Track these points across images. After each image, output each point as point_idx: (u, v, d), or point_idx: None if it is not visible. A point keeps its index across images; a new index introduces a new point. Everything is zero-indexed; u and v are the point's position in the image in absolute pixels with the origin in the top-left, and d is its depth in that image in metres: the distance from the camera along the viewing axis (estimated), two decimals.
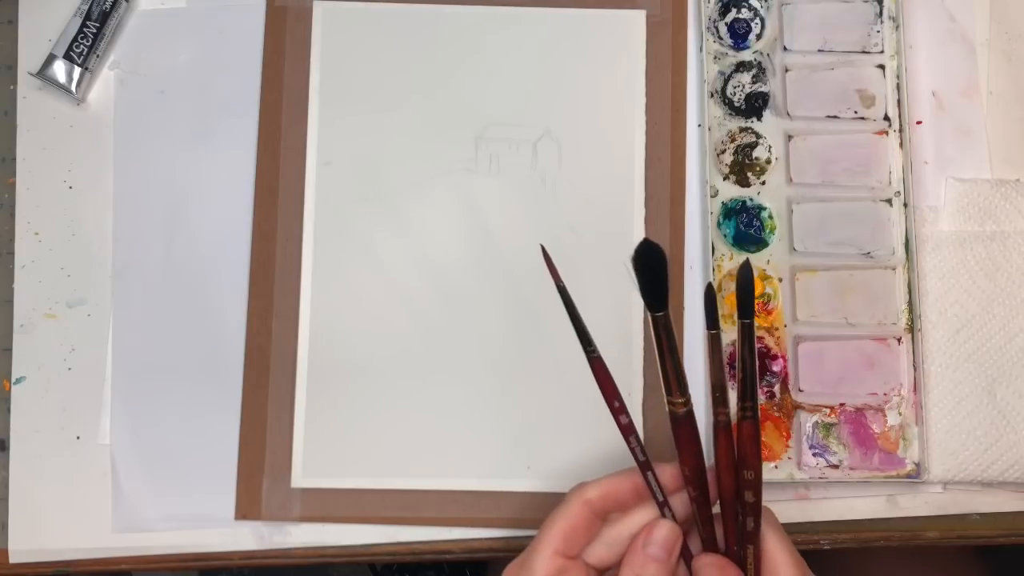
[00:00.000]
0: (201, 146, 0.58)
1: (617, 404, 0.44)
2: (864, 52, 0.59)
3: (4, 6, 0.59)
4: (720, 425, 0.43)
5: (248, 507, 0.55)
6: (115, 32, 0.59)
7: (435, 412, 0.56)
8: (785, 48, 0.59)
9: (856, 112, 0.58)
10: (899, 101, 0.58)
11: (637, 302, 0.57)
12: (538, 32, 0.59)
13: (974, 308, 0.57)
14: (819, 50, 0.59)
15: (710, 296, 0.42)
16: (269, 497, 0.55)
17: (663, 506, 0.44)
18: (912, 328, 0.56)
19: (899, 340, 0.56)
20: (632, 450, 0.44)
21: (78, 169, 0.58)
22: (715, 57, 0.59)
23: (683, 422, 0.43)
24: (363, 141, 0.58)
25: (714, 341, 0.42)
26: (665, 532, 0.43)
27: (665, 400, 0.43)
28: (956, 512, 0.56)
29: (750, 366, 0.42)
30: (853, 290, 0.57)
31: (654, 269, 0.41)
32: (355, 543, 0.56)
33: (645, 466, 0.44)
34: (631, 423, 0.44)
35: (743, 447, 0.43)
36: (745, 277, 0.41)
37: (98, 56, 0.58)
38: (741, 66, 0.58)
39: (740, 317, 0.42)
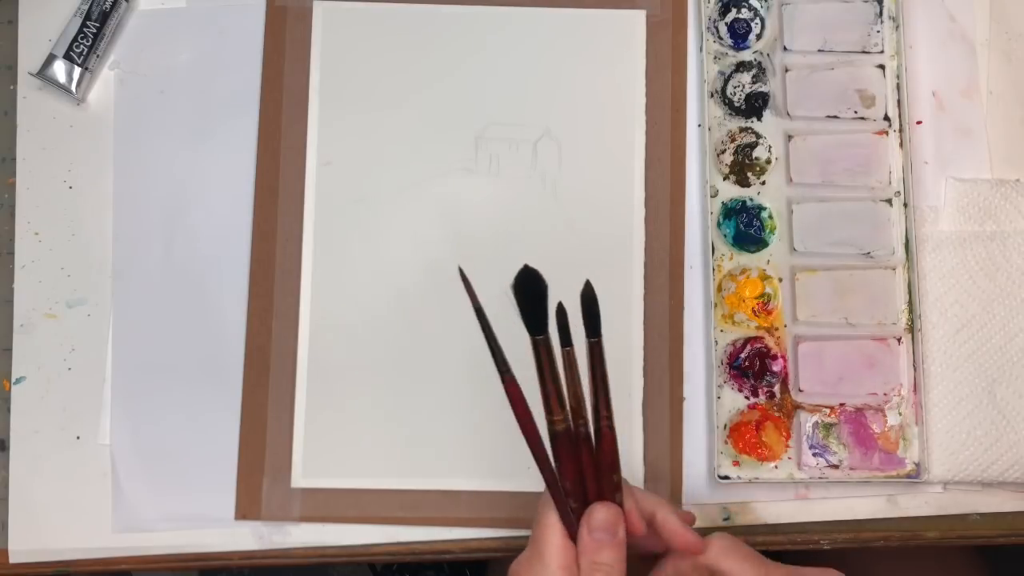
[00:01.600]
0: (201, 146, 0.58)
1: (524, 422, 0.45)
2: (864, 52, 0.59)
3: (4, 6, 0.59)
4: (581, 436, 0.44)
5: (248, 507, 0.55)
6: (115, 32, 0.59)
7: (435, 412, 0.56)
8: (785, 48, 0.59)
9: (856, 112, 0.58)
10: (899, 101, 0.58)
11: (637, 302, 0.57)
12: (538, 32, 0.59)
13: (974, 308, 0.57)
14: (819, 50, 0.59)
15: (561, 315, 0.43)
16: (269, 497, 0.55)
17: (566, 519, 0.45)
18: (912, 328, 0.56)
19: (899, 340, 0.56)
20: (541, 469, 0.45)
21: (78, 169, 0.58)
22: (715, 57, 0.59)
23: (562, 438, 0.44)
24: (363, 141, 0.58)
25: (568, 357, 0.43)
26: (603, 514, 0.44)
27: (545, 419, 0.44)
28: (956, 512, 0.56)
29: (602, 381, 0.44)
30: (853, 290, 0.57)
31: (536, 296, 0.43)
32: (355, 543, 0.56)
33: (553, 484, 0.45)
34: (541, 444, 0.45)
35: (609, 455, 0.44)
36: (589, 297, 0.43)
37: (98, 56, 0.58)
38: (741, 66, 0.58)
39: (588, 336, 0.43)
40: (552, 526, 0.44)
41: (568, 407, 0.44)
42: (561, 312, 0.43)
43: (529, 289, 0.43)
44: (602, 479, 0.44)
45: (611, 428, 0.44)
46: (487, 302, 0.57)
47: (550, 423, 0.44)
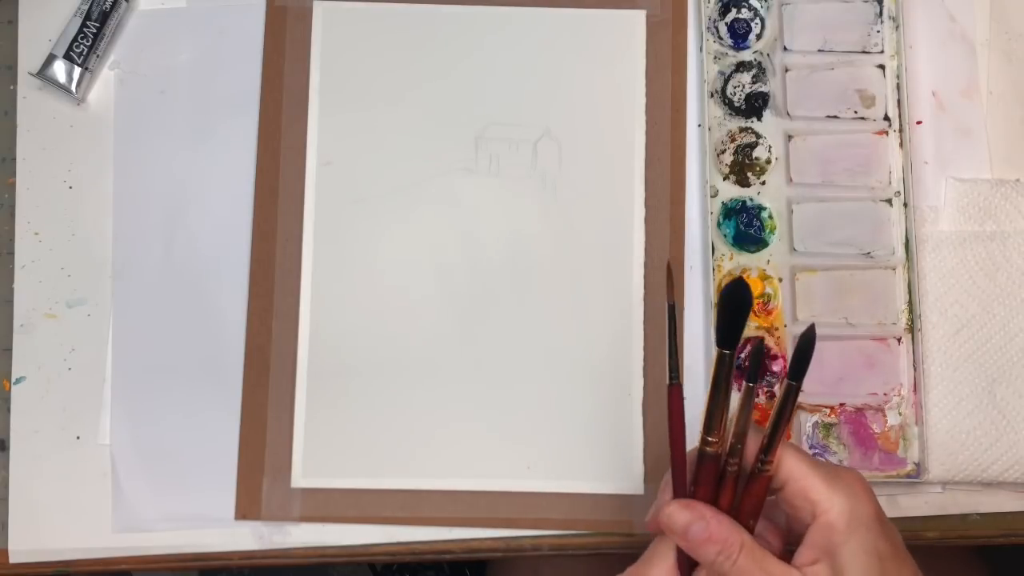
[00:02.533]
0: (201, 146, 0.58)
1: (676, 434, 0.45)
2: (864, 52, 0.59)
3: (4, 6, 0.59)
4: (731, 474, 0.44)
5: (248, 507, 0.55)
6: (115, 32, 0.59)
7: (435, 412, 0.56)
8: (785, 48, 0.59)
9: (856, 112, 0.58)
10: (899, 101, 0.58)
11: (637, 302, 0.57)
12: (538, 32, 0.59)
13: (974, 308, 0.57)
14: (819, 50, 0.59)
15: (758, 353, 0.44)
16: (269, 497, 0.55)
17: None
18: (912, 328, 0.56)
19: (899, 340, 0.56)
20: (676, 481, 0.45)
21: (78, 169, 0.58)
22: (715, 57, 0.59)
23: (709, 463, 0.44)
24: (363, 141, 0.58)
25: (748, 394, 0.43)
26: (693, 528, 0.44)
27: (700, 436, 0.44)
28: (956, 512, 0.56)
29: (784, 424, 0.43)
30: (853, 290, 0.57)
31: (739, 310, 0.43)
32: (355, 543, 0.56)
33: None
34: (683, 461, 0.45)
35: (754, 499, 0.44)
36: (808, 340, 0.43)
37: (98, 56, 0.58)
38: (741, 66, 0.58)
39: (789, 378, 0.43)
40: (664, 558, 0.45)
41: (726, 432, 0.43)
42: (759, 351, 0.44)
43: (734, 301, 0.43)
44: (739, 520, 0.44)
45: (768, 475, 0.43)
46: (485, 301, 0.57)
47: (703, 442, 0.44)
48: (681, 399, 0.45)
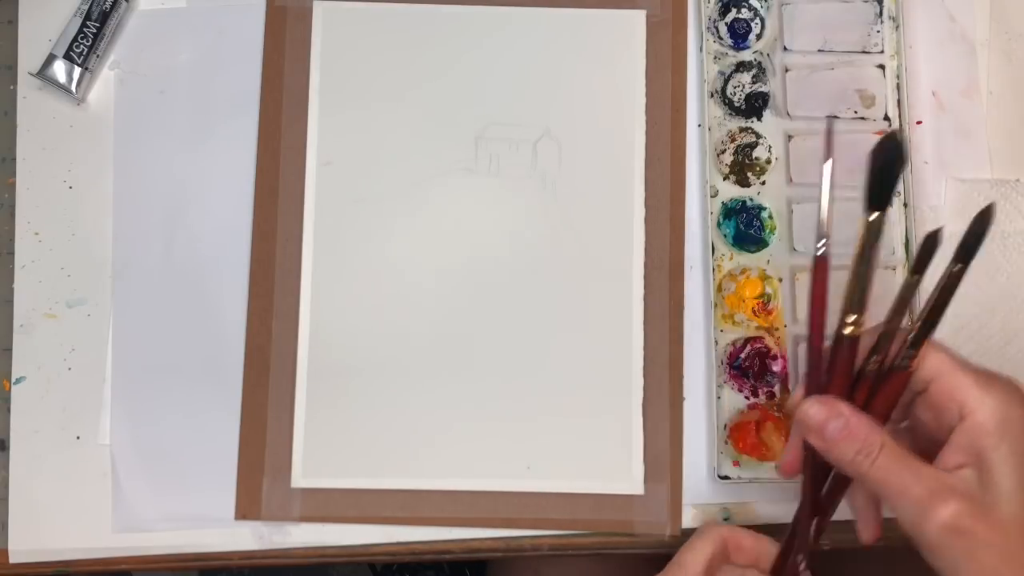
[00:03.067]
0: (201, 146, 0.58)
1: (816, 315, 0.41)
2: (864, 52, 0.59)
3: (4, 6, 0.59)
4: (868, 373, 0.41)
5: (248, 507, 0.55)
6: (115, 32, 0.59)
7: (435, 412, 0.56)
8: (785, 48, 0.59)
9: (856, 112, 0.58)
10: (899, 101, 0.58)
11: (637, 302, 0.57)
12: (538, 32, 0.59)
13: (974, 308, 0.57)
14: (819, 50, 0.59)
15: (930, 242, 0.40)
16: (269, 497, 0.55)
17: (796, 535, 0.43)
18: None
19: None
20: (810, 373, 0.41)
21: (78, 169, 0.58)
22: (715, 57, 0.59)
23: (846, 346, 0.41)
24: (363, 141, 0.58)
25: (910, 287, 0.40)
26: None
27: (840, 315, 0.40)
28: None
29: (939, 312, 0.40)
30: None
31: (889, 167, 0.38)
32: (355, 543, 0.56)
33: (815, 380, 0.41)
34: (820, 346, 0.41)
35: (890, 396, 0.41)
36: (986, 218, 0.39)
37: (98, 56, 0.58)
38: (741, 66, 0.58)
39: (957, 259, 0.39)
40: (694, 563, 0.44)
41: (865, 312, 0.40)
42: (931, 240, 0.39)
43: (885, 154, 0.38)
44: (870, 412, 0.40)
45: (909, 372, 0.40)
46: (485, 301, 0.57)
47: (842, 324, 0.40)
48: (826, 273, 0.40)
